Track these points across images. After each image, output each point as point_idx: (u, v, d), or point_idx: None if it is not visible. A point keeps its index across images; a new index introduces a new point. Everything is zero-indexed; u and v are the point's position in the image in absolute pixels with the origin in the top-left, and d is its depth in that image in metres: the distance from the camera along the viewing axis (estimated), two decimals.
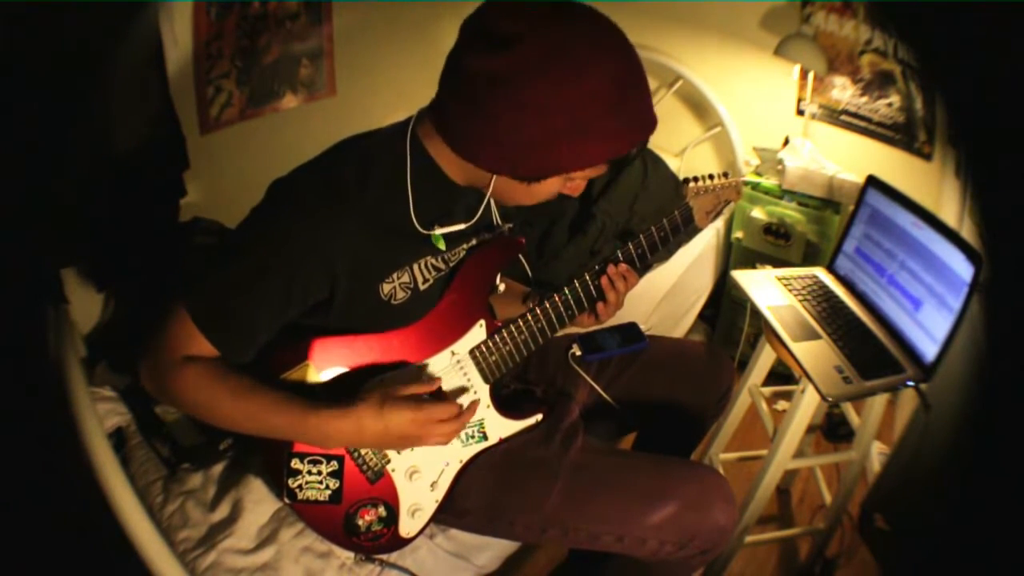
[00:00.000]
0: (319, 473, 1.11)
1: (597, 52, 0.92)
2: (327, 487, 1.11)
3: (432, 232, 1.06)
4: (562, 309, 1.18)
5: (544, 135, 0.93)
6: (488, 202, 1.13)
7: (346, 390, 1.06)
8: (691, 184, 1.24)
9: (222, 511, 1.21)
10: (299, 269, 0.98)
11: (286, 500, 1.12)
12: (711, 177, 1.25)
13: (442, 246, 1.08)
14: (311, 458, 1.10)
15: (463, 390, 1.16)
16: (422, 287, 1.08)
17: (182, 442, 1.36)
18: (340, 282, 1.01)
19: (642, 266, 1.22)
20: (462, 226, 1.11)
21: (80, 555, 0.79)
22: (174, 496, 1.23)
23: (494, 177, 1.03)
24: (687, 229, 1.26)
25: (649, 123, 1.00)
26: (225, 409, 1.00)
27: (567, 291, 1.17)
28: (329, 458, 1.11)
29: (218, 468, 1.28)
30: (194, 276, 1.01)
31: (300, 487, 1.11)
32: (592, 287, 1.19)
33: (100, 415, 1.30)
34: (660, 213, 1.23)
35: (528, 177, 1.01)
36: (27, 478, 0.72)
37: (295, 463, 1.10)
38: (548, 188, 1.04)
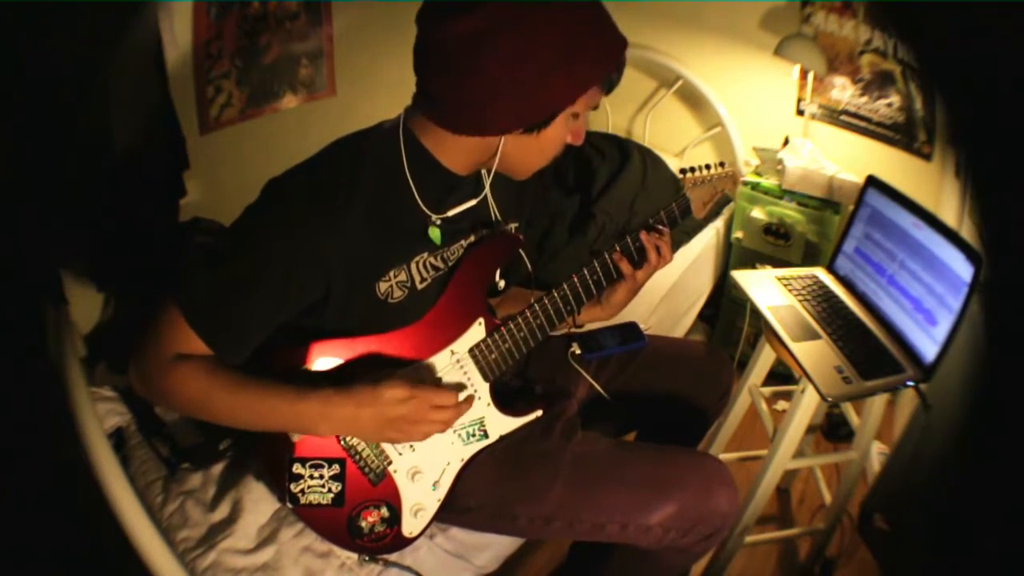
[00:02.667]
0: (321, 477, 1.11)
1: None
2: (329, 491, 1.11)
3: (442, 216, 1.07)
4: (560, 305, 1.18)
5: (539, 72, 0.95)
6: (487, 193, 1.13)
7: None
8: (688, 175, 1.25)
9: (222, 511, 1.21)
10: (294, 269, 0.98)
11: (289, 505, 1.11)
12: (707, 167, 1.25)
13: (438, 240, 1.08)
14: (313, 462, 1.10)
15: (463, 389, 1.15)
16: (420, 286, 1.08)
17: (182, 442, 1.36)
18: (336, 281, 1.01)
19: (640, 260, 1.22)
20: (472, 202, 1.11)
21: (80, 555, 0.79)
22: (174, 496, 1.23)
23: (501, 143, 1.03)
24: (684, 221, 1.26)
25: (622, 40, 1.03)
26: (219, 401, 1.00)
27: (565, 287, 1.18)
28: (331, 461, 1.10)
29: (218, 468, 1.28)
30: (187, 275, 1.00)
31: (303, 492, 1.10)
32: (591, 282, 1.19)
33: (100, 415, 1.30)
34: (658, 208, 1.23)
35: (536, 123, 1.01)
36: (27, 478, 0.72)
37: (297, 468, 1.10)
38: (555, 135, 1.04)
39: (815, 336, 1.50)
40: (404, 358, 1.11)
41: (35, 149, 0.69)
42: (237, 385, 1.00)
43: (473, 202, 1.12)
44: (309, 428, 1.05)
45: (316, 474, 1.10)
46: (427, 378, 1.12)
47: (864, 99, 2.24)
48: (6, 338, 0.71)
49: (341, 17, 2.14)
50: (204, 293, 0.99)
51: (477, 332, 1.15)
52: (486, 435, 1.19)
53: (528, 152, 1.06)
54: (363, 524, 1.14)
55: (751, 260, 2.24)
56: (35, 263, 0.77)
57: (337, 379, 1.07)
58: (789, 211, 2.27)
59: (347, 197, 0.99)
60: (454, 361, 1.14)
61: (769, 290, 1.63)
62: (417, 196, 1.04)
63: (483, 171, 1.13)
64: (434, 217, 1.07)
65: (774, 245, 2.30)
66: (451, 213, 1.09)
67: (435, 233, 1.07)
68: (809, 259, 2.24)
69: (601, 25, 1.00)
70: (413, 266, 1.07)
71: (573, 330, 1.37)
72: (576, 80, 0.99)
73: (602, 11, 1.00)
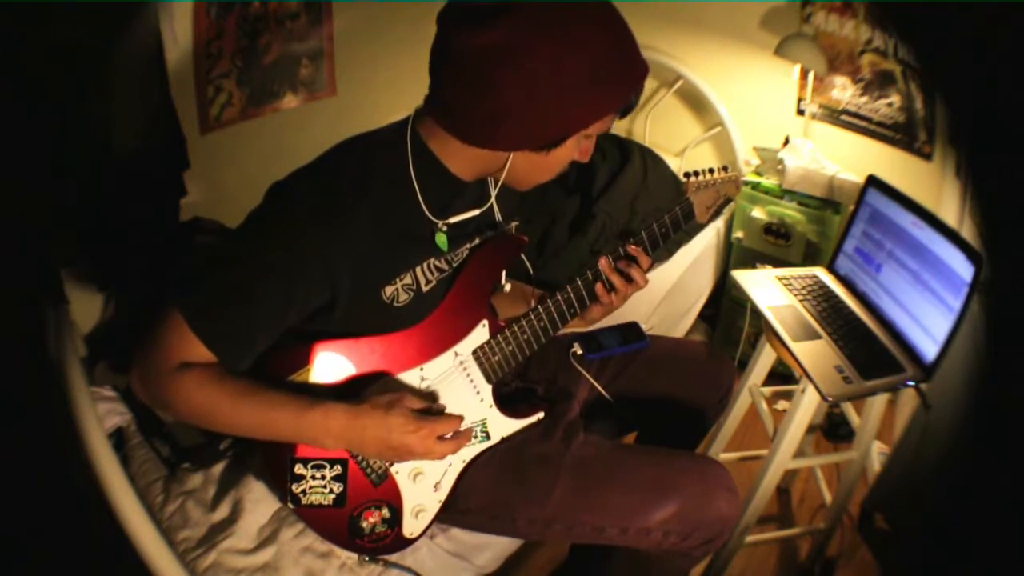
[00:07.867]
0: (323, 477, 1.10)
1: (585, 4, 0.93)
2: (331, 491, 1.11)
3: (446, 221, 1.06)
4: (564, 307, 1.18)
5: (557, 96, 0.93)
6: (496, 192, 1.12)
7: (349, 394, 1.06)
8: (691, 179, 1.24)
9: (222, 511, 1.21)
10: (299, 275, 0.97)
11: (290, 505, 1.11)
12: (711, 171, 1.25)
13: (444, 247, 1.08)
14: (314, 463, 1.10)
15: (466, 391, 1.16)
16: (425, 288, 1.08)
17: (182, 442, 1.36)
18: (341, 287, 1.00)
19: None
20: (475, 212, 1.10)
21: (80, 555, 0.79)
22: (174, 496, 1.23)
23: (510, 158, 1.02)
24: (687, 224, 1.25)
25: (644, 66, 1.01)
26: (224, 412, 1.00)
27: (569, 289, 1.17)
28: (332, 462, 1.10)
29: (218, 468, 1.28)
30: (190, 281, 0.99)
31: (304, 492, 1.10)
32: (593, 284, 1.19)
33: (100, 415, 1.30)
34: (661, 212, 1.23)
35: (547, 144, 1.00)
36: (27, 478, 0.72)
37: (298, 468, 1.09)
38: (564, 155, 1.04)
39: (815, 336, 1.50)
40: (407, 360, 1.11)
41: (35, 149, 0.69)
42: (242, 398, 0.99)
43: (477, 212, 1.11)
44: (313, 443, 1.05)
45: (318, 474, 1.10)
46: (434, 397, 1.12)
47: (864, 99, 2.24)
48: (6, 338, 0.71)
49: (341, 17, 2.14)
50: (208, 299, 0.97)
51: (481, 334, 1.14)
52: (488, 436, 1.19)
53: (535, 168, 1.05)
54: (364, 525, 1.14)
55: (751, 260, 2.24)
56: (35, 263, 0.77)
57: (341, 389, 1.07)
58: (789, 211, 2.27)
59: (353, 202, 0.98)
60: (457, 363, 1.14)
61: (769, 290, 1.63)
62: (422, 202, 1.04)
63: (489, 179, 1.12)
64: (439, 223, 1.07)
65: (774, 245, 2.30)
66: (455, 220, 1.08)
67: (442, 239, 1.07)
68: (809, 259, 2.24)
69: (627, 50, 0.98)
70: (419, 269, 1.07)
71: (573, 331, 1.37)
72: (595, 107, 0.97)
73: (628, 34, 0.98)
